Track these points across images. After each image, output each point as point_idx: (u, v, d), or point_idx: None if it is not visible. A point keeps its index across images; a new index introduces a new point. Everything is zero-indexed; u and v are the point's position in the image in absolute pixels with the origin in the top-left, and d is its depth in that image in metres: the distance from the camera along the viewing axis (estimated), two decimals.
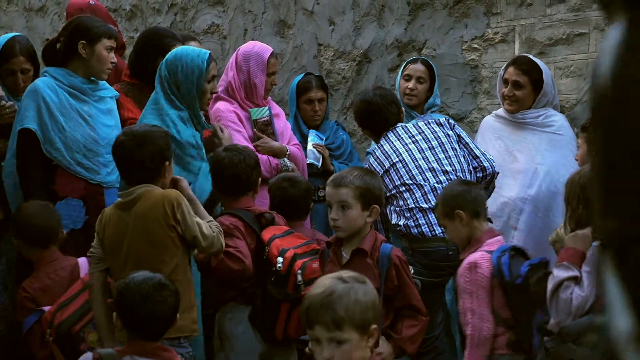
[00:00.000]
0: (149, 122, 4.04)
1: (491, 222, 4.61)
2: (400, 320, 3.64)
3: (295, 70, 6.35)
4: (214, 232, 3.74)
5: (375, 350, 3.17)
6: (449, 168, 4.55)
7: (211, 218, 3.86)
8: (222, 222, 3.91)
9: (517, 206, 4.80)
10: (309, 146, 5.14)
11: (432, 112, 5.17)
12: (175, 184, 3.82)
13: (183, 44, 4.69)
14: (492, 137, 5.03)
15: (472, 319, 3.58)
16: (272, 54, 5.02)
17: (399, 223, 4.48)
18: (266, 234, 3.99)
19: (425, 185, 4.50)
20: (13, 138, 4.39)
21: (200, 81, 4.19)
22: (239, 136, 4.76)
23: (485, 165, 4.65)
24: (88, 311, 3.85)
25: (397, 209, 4.52)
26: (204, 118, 4.34)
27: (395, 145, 4.64)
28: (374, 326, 2.55)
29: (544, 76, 4.88)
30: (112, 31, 4.62)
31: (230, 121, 4.82)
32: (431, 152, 4.60)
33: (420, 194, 4.46)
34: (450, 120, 4.83)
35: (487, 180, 4.64)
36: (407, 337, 3.60)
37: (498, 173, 4.68)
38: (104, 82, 4.62)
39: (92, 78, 4.54)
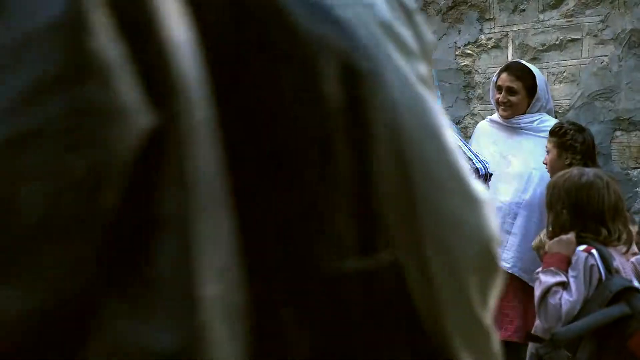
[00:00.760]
0: None
1: None
2: None
3: None
4: None
5: None
6: None
7: None
8: None
9: (511, 210, 4.80)
10: None
11: None
12: None
13: None
14: (487, 142, 5.04)
15: None
16: None
17: None
18: None
19: None
20: None
21: None
22: None
23: (478, 166, 4.64)
24: None
25: None
26: None
27: None
28: None
29: (537, 81, 4.89)
30: None
31: None
32: None
33: None
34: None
35: (480, 182, 4.64)
36: None
37: (491, 174, 4.68)
38: None
39: None
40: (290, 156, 0.78)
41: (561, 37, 5.38)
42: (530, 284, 4.16)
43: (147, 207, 0.61)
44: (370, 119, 0.84)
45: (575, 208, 3.29)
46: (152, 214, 0.61)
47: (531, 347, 3.46)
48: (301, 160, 0.79)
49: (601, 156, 5.06)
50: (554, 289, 3.19)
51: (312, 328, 0.81)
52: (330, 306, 0.82)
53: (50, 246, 0.56)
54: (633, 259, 3.54)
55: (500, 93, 4.91)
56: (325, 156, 0.80)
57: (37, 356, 0.57)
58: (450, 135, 0.97)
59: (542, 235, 3.85)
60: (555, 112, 5.24)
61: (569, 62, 5.37)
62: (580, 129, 4.71)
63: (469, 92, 5.72)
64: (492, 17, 5.65)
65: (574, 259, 3.24)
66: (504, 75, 4.91)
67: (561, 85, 5.39)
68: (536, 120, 4.93)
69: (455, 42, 5.77)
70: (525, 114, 4.94)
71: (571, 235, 3.28)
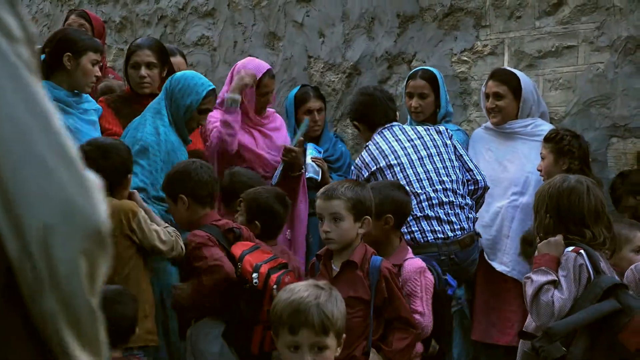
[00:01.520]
0: (147, 118, 4.28)
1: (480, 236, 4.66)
2: (391, 332, 3.64)
3: (285, 82, 6.36)
4: (172, 236, 3.88)
5: None
6: (445, 178, 4.55)
7: (167, 225, 3.95)
8: (194, 235, 3.89)
9: (509, 214, 4.83)
10: (308, 159, 5.09)
11: (446, 121, 5.16)
12: (130, 196, 3.91)
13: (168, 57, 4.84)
14: (483, 148, 5.06)
15: (421, 319, 3.74)
16: (267, 73, 4.99)
17: None
18: (236, 250, 3.92)
19: (422, 194, 4.50)
20: None
21: (192, 106, 4.34)
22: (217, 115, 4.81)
23: (478, 178, 4.67)
24: None
25: None
26: (188, 136, 4.45)
27: (392, 146, 4.62)
28: (344, 336, 2.57)
29: (521, 83, 4.94)
30: (98, 45, 4.63)
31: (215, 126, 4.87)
32: (429, 159, 4.59)
33: (415, 202, 4.45)
34: (449, 130, 4.83)
35: (478, 194, 4.66)
36: (397, 349, 3.60)
37: (488, 188, 4.71)
38: (87, 95, 4.63)
39: (76, 91, 4.53)
40: None
41: (557, 44, 5.39)
42: None
43: None
44: None
45: (558, 212, 3.43)
46: None
47: (522, 345, 3.51)
48: None
49: (597, 163, 5.08)
50: (545, 287, 3.28)
51: None
52: None
53: None
54: (632, 266, 3.60)
55: (489, 100, 4.97)
56: None
57: None
58: (58, 119, 1.07)
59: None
60: (551, 118, 5.25)
61: (564, 69, 5.39)
62: (576, 136, 4.74)
63: (465, 98, 5.72)
64: (488, 24, 5.67)
65: (563, 258, 3.35)
66: (490, 83, 5.00)
67: (557, 92, 5.40)
68: (530, 124, 4.96)
69: (452, 49, 5.78)
70: (517, 119, 4.98)
71: (559, 237, 3.39)
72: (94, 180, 1.08)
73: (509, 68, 5.18)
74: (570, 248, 3.35)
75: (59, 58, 4.45)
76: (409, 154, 4.60)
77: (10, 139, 1.02)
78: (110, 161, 3.76)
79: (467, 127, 5.64)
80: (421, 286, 3.79)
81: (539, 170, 4.71)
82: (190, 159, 4.23)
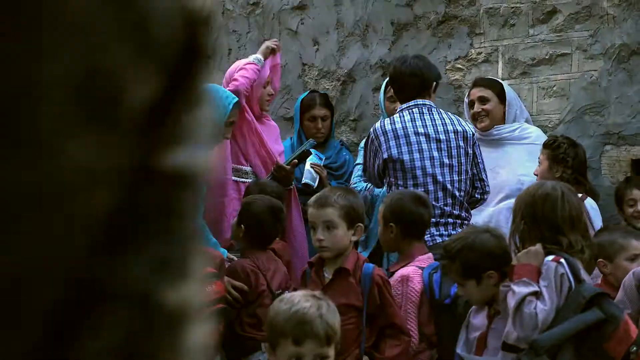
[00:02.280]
0: None
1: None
2: (383, 340, 3.63)
3: (279, 89, 6.36)
4: None
5: None
6: (456, 192, 4.38)
7: None
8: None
9: (502, 216, 4.82)
10: (307, 165, 5.05)
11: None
12: None
13: None
14: None
15: None
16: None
17: None
18: None
19: (437, 208, 4.37)
20: None
21: (219, 121, 4.32)
22: None
23: (487, 190, 4.59)
24: None
25: None
26: None
27: (416, 138, 4.43)
28: (339, 345, 2.57)
29: (504, 87, 5.00)
30: None
31: None
32: (448, 169, 4.41)
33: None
34: (475, 136, 4.65)
35: (477, 204, 4.61)
36: (390, 357, 3.59)
37: (486, 200, 4.70)
38: None
39: None
40: None
41: (551, 52, 5.40)
42: None
43: None
44: None
45: (532, 219, 3.38)
46: None
47: (503, 357, 3.40)
48: None
49: (591, 170, 5.08)
50: (528, 298, 3.22)
51: None
52: None
53: None
54: (631, 271, 3.59)
55: (474, 106, 5.00)
56: None
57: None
58: None
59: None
60: (545, 126, 5.26)
61: (558, 77, 5.39)
62: (574, 144, 4.74)
63: (459, 106, 5.73)
64: (482, 31, 5.67)
65: (544, 268, 3.28)
66: (473, 90, 5.03)
67: (551, 99, 5.41)
68: (517, 129, 4.99)
69: (446, 57, 5.79)
70: (503, 123, 5.00)
71: (539, 247, 3.32)
72: None
73: (489, 77, 5.26)
74: (551, 257, 3.28)
75: None
76: (434, 157, 4.41)
77: None
78: None
79: None
80: (401, 295, 3.72)
81: (535, 174, 4.70)
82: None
